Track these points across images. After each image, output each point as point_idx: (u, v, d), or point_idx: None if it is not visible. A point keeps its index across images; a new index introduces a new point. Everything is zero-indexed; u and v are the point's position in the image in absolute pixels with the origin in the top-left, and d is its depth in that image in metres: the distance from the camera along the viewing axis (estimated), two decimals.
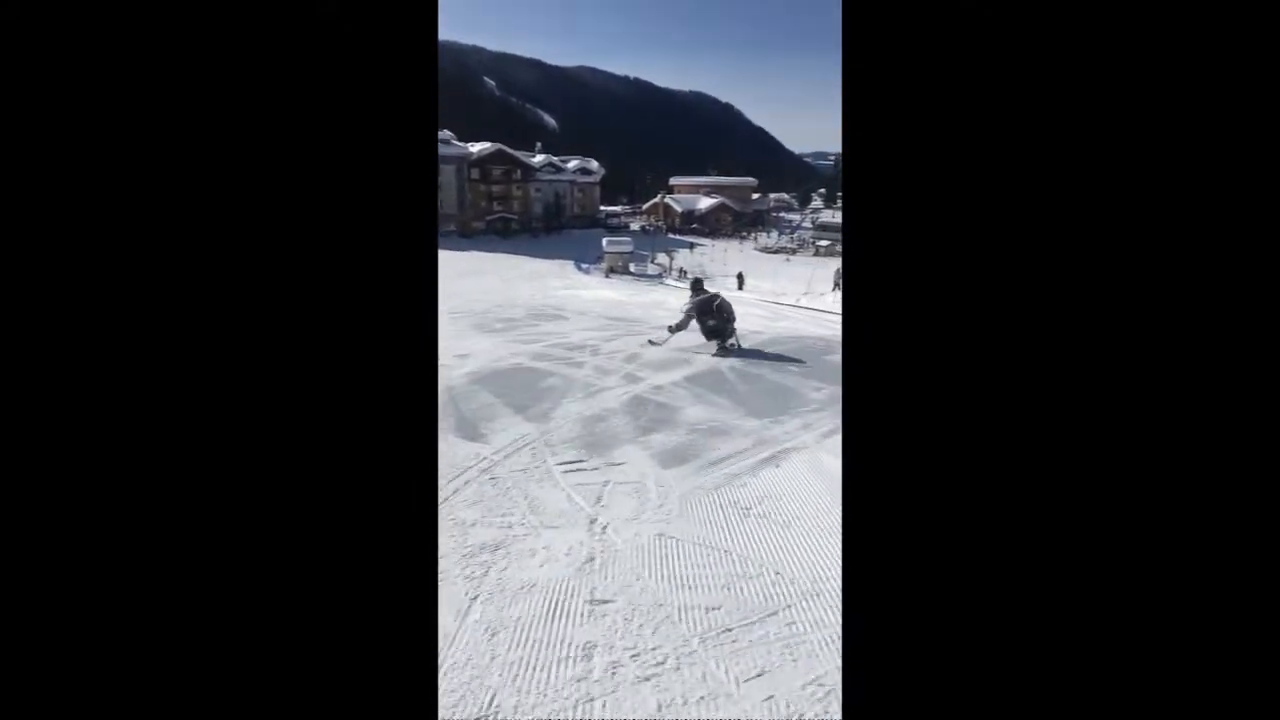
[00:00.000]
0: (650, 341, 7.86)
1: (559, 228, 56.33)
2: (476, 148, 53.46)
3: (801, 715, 1.98)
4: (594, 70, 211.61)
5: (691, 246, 50.44)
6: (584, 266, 40.35)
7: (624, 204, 72.71)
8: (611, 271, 36.87)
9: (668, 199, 64.60)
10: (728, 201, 64.50)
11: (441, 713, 1.86)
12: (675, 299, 16.71)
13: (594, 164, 61.36)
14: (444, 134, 52.28)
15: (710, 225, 60.55)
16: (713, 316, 7.45)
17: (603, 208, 63.59)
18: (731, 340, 7.47)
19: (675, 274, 34.68)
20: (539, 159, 57.37)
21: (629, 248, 43.08)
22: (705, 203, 62.93)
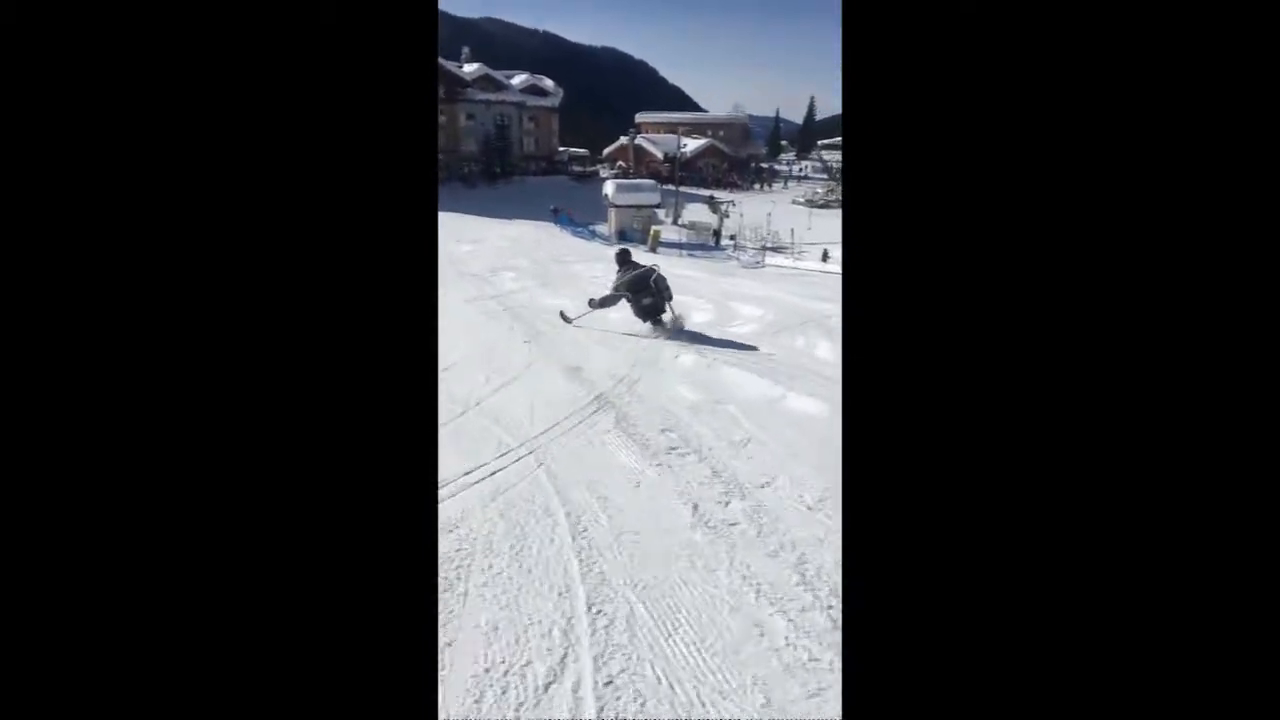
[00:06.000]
0: (562, 315, 6.18)
1: (505, 173, 35.17)
2: None
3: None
4: (500, 22, 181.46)
5: (712, 199, 31.11)
6: (578, 230, 22.46)
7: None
8: (622, 237, 20.58)
9: (640, 140, 44.30)
10: (717, 144, 45.25)
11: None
12: None
13: (548, 82, 40.26)
14: None
15: (701, 174, 41.30)
16: (648, 294, 5.92)
17: (562, 148, 42.49)
18: (668, 317, 5.96)
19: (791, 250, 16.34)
20: (471, 68, 35.44)
21: (654, 198, 23.24)
22: (691, 145, 43.18)
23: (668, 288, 6.01)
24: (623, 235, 20.91)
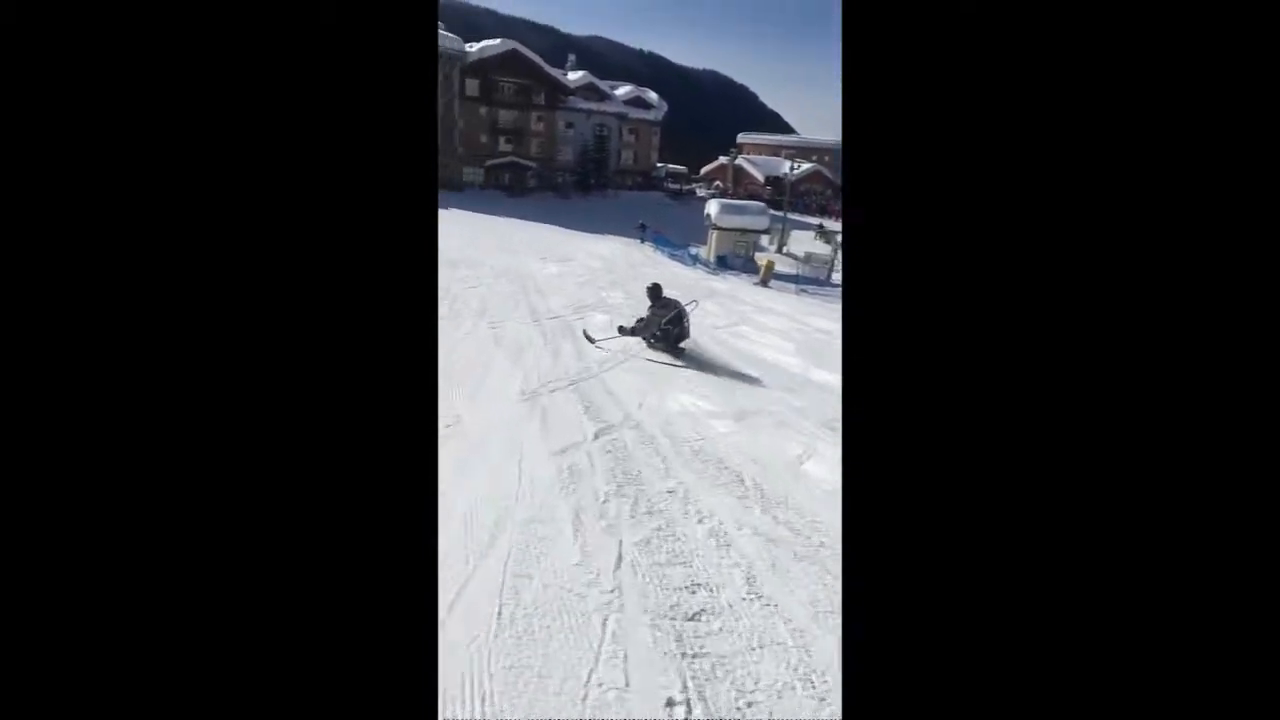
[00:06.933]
0: (585, 334, 6.56)
1: (600, 185, 33.05)
2: (479, 45, 29.64)
3: None
4: (608, 41, 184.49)
5: (821, 228, 27.76)
6: (676, 252, 19.00)
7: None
8: (722, 262, 17.74)
9: (740, 160, 41.24)
10: (822, 169, 41.52)
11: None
12: None
13: (652, 95, 37.99)
14: None
15: (804, 199, 37.76)
16: (677, 325, 6.31)
17: (659, 164, 40.04)
18: (688, 344, 6.39)
19: None
20: (576, 75, 33.64)
21: (762, 222, 20.20)
22: (791, 168, 39.63)
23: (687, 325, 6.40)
24: (722, 260, 18.07)
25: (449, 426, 3.44)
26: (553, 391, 4.38)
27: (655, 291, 6.66)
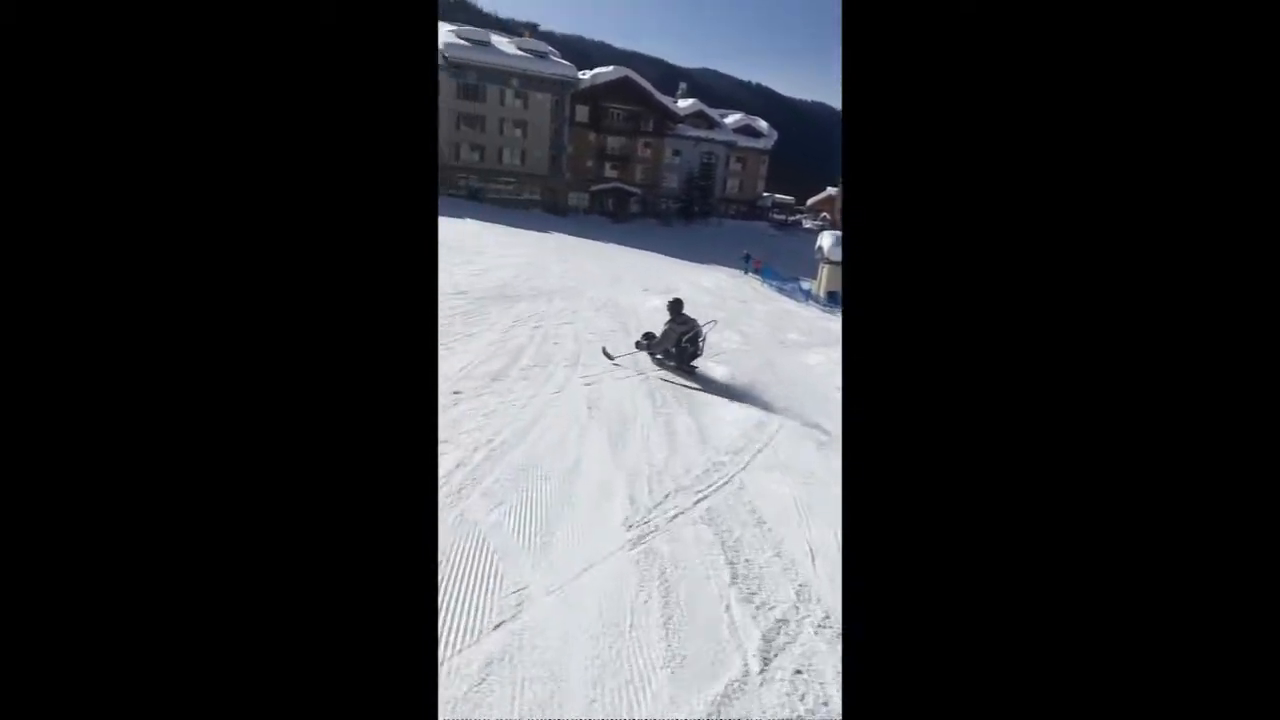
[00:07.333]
0: (604, 351, 6.51)
1: (704, 213, 31.87)
2: (592, 72, 29.54)
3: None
4: (717, 73, 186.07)
5: None
6: (785, 286, 17.69)
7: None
8: (832, 299, 16.30)
9: None
10: None
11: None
12: None
13: (762, 124, 36.66)
14: (541, 47, 28.67)
15: None
16: (693, 344, 6.28)
17: (766, 194, 38.38)
18: (699, 364, 6.40)
19: None
20: (686, 103, 32.87)
21: None
22: None
23: (699, 344, 6.30)
24: (834, 297, 16.21)
25: (499, 626, 1.95)
26: (673, 517, 2.91)
27: (676, 306, 6.48)
